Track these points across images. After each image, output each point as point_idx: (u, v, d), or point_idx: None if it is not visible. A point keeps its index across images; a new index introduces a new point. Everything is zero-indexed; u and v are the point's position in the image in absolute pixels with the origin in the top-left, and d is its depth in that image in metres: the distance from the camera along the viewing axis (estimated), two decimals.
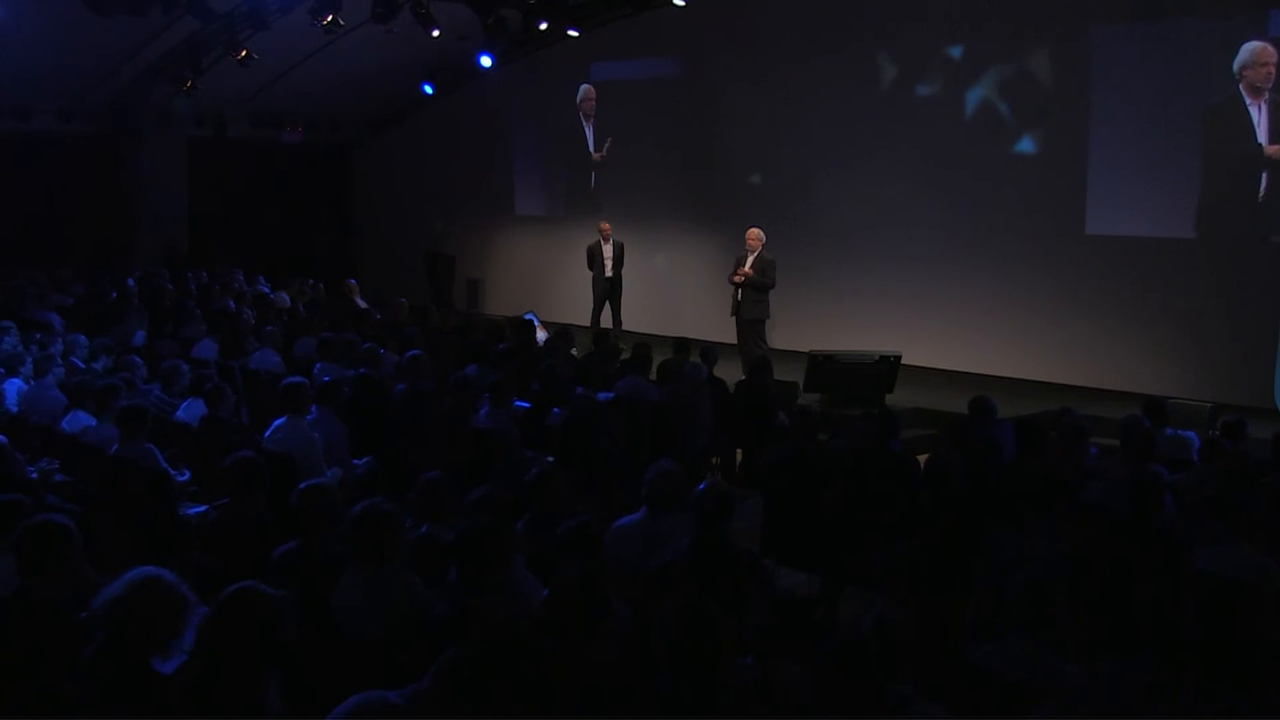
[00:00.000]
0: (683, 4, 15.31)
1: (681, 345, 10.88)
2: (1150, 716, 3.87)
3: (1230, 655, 4.35)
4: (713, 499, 5.31)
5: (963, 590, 5.36)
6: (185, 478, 7.73)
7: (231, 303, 14.36)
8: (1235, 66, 11.67)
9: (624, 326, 15.27)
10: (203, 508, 6.66)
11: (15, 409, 9.03)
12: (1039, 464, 6.88)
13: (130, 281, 15.37)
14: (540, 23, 16.10)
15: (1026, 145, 13.43)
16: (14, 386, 9.40)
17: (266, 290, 15.75)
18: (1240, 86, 11.69)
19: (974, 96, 13.81)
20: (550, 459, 7.61)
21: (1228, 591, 5.09)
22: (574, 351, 11.50)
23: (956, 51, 14.00)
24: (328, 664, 4.41)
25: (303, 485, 5.28)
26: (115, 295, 14.68)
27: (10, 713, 4.29)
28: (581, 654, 4.01)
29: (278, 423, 7.88)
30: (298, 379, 8.28)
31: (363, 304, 15.03)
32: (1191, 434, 7.97)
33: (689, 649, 3.88)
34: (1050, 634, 4.37)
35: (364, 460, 8.19)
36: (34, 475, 7.33)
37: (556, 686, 3.94)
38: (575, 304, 16.35)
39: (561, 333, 11.59)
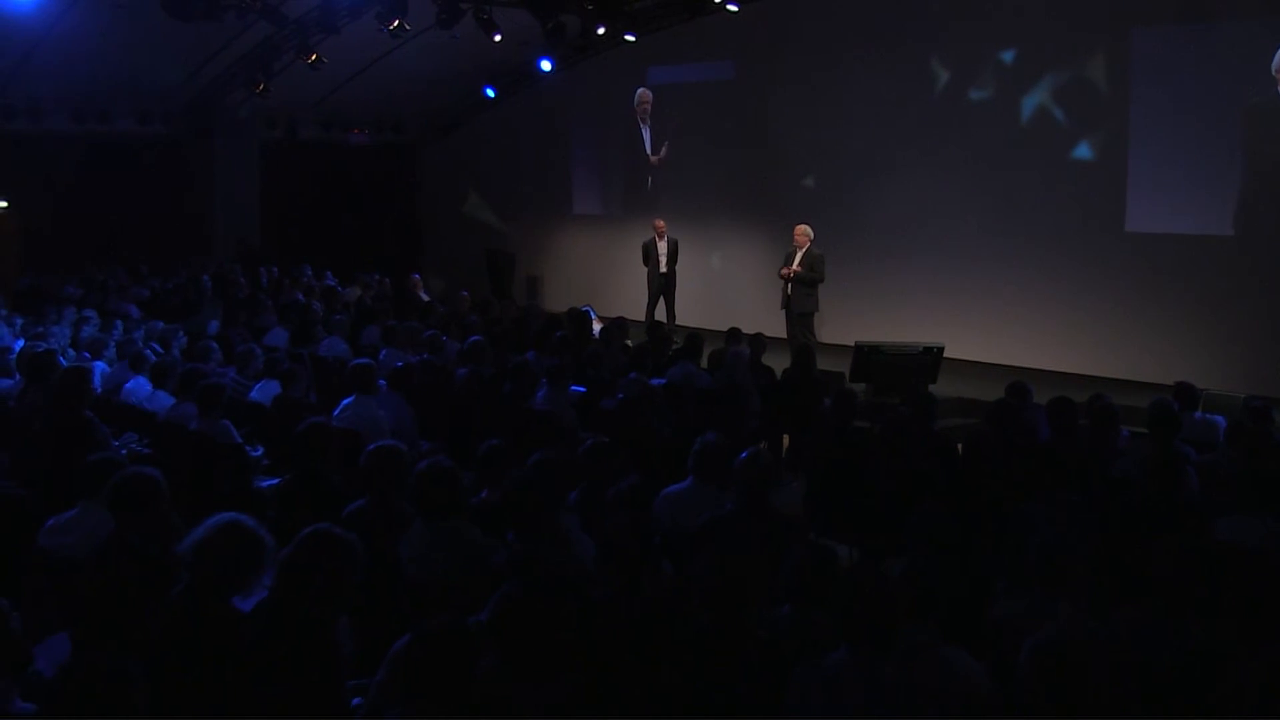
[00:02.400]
0: (736, 9, 15.65)
1: (733, 334, 11.20)
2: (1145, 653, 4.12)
3: (1240, 612, 4.60)
4: (755, 463, 5.64)
5: (991, 552, 5.61)
6: (259, 453, 8.13)
7: (301, 295, 14.87)
8: (1273, 68, 11.83)
9: (677, 321, 15.61)
10: (275, 480, 7.05)
11: (98, 389, 9.52)
12: (1071, 442, 7.13)
13: (205, 278, 15.95)
14: (598, 28, 16.48)
15: (1068, 145, 13.60)
16: (98, 368, 9.90)
17: (334, 284, 16.28)
18: (1278, 88, 11.83)
19: (1017, 98, 14.01)
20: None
21: (1243, 556, 5.34)
22: (628, 342, 11.85)
23: (1002, 54, 14.21)
24: (395, 607, 4.77)
25: (372, 446, 5.65)
26: (190, 289, 15.25)
27: (106, 649, 4.68)
28: (628, 594, 4.33)
29: (346, 401, 8.25)
30: (366, 360, 8.70)
31: (426, 297, 15.50)
32: (1220, 417, 8.15)
33: (725, 590, 4.20)
34: (1070, 591, 4.62)
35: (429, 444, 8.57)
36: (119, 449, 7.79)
37: (604, 624, 4.26)
38: (631, 300, 16.70)
39: (616, 323, 11.94)
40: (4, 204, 18.46)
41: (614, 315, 13.30)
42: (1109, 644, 3.98)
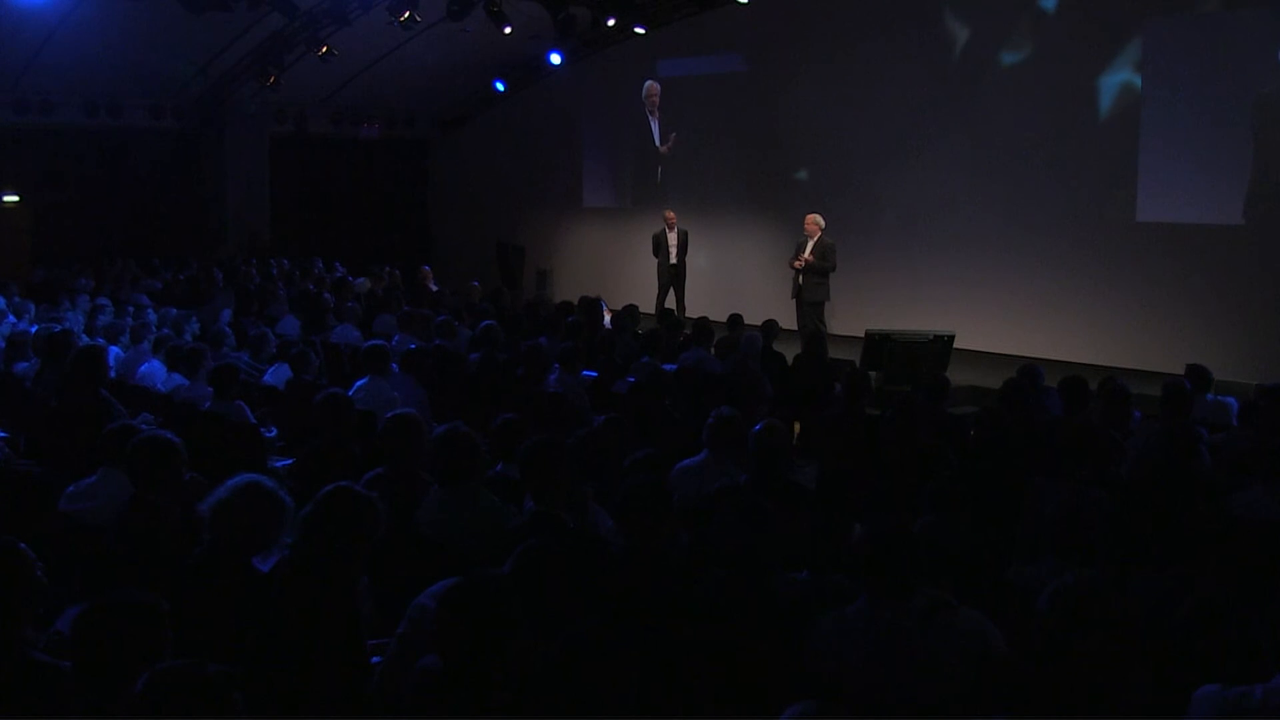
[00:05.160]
0: (745, 1, 15.72)
1: (735, 321, 11.25)
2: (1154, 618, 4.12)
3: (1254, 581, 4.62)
4: (769, 435, 5.66)
5: (1006, 522, 5.63)
6: (273, 434, 8.18)
7: (312, 286, 14.93)
8: None
9: (687, 312, 15.63)
10: (290, 461, 7.08)
11: (113, 373, 9.57)
12: (1083, 419, 7.14)
13: (216, 270, 16.02)
14: (609, 20, 16.55)
15: (1079, 135, 13.61)
16: (112, 353, 9.96)
17: (344, 275, 16.34)
18: None
19: (1028, 89, 14.04)
20: None
21: (1258, 529, 5.36)
22: (638, 331, 11.87)
23: (1013, 46, 14.26)
24: (413, 570, 4.78)
25: (389, 414, 5.68)
26: (202, 281, 15.31)
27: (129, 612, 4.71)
28: (647, 553, 4.35)
29: (360, 383, 8.27)
30: (380, 342, 8.73)
31: (436, 288, 15.54)
32: (1231, 399, 8.17)
33: (743, 552, 4.22)
34: (1085, 558, 4.62)
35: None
36: None
37: (622, 583, 4.28)
38: (641, 292, 16.68)
39: (628, 309, 11.97)
40: (16, 198, 18.55)
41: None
42: (1121, 597, 3.98)
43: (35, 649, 3.52)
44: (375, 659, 4.10)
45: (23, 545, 3.61)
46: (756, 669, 3.92)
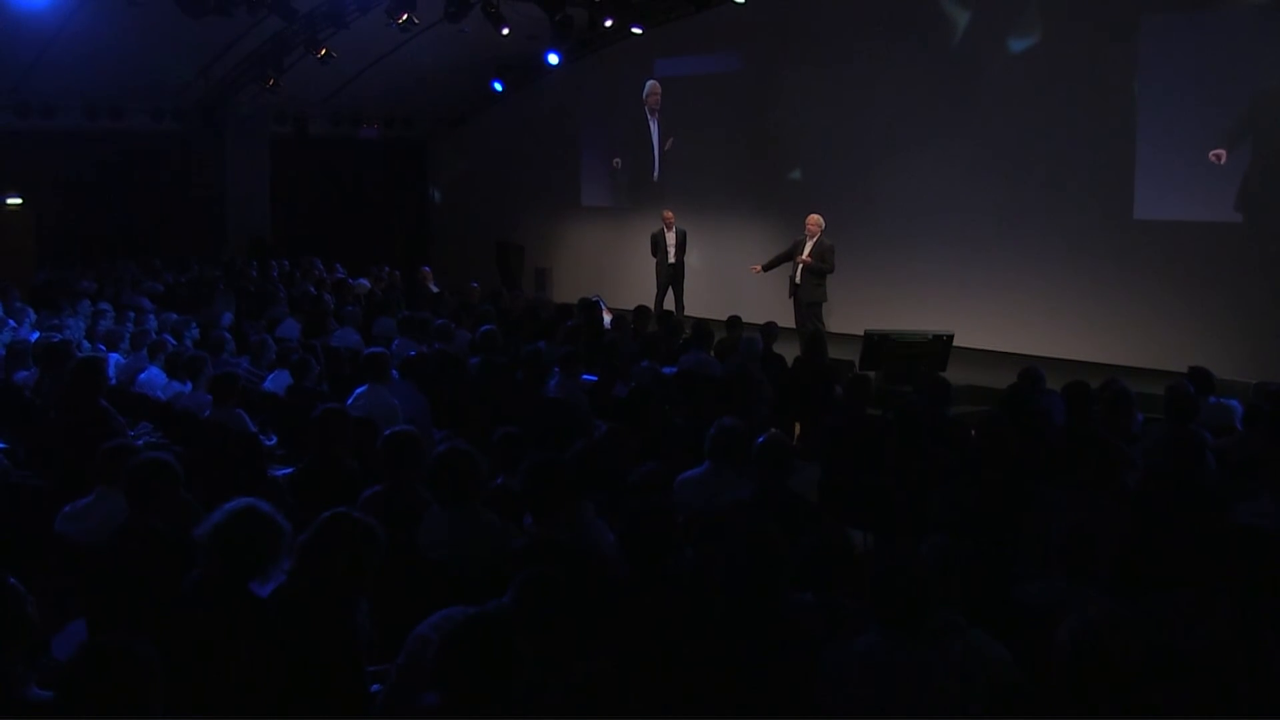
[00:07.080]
0: (742, 1, 15.65)
1: (734, 323, 11.20)
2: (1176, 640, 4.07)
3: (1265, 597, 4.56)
4: (772, 448, 5.62)
5: (1012, 536, 5.57)
6: (273, 442, 8.13)
7: (312, 288, 14.89)
8: None
9: (686, 312, 15.60)
10: (290, 469, 7.03)
11: (113, 380, 9.52)
12: (1087, 426, 7.09)
13: (218, 273, 15.99)
14: (606, 20, 16.51)
15: (1076, 133, 13.53)
16: (112, 360, 9.91)
17: (344, 276, 16.30)
18: None
19: (1026, 87, 13.97)
20: None
21: (1264, 540, 5.30)
22: (638, 332, 11.82)
23: (1011, 44, 14.19)
24: (413, 592, 4.75)
25: (388, 431, 5.63)
26: (203, 283, 15.28)
27: (124, 635, 4.67)
28: (652, 576, 4.30)
29: (360, 390, 8.19)
30: (379, 349, 8.69)
31: (435, 289, 15.50)
32: (1235, 401, 8.11)
33: (750, 577, 4.16)
34: (1093, 575, 4.57)
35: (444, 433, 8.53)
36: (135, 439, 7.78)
37: (626, 609, 4.24)
38: (639, 291, 16.67)
39: (638, 311, 11.93)
40: (18, 200, 18.51)
41: (620, 306, 13.32)
42: (1144, 629, 3.94)
43: (26, 686, 3.47)
44: (375, 686, 4.06)
45: (13, 580, 3.55)
46: (765, 693, 3.88)
